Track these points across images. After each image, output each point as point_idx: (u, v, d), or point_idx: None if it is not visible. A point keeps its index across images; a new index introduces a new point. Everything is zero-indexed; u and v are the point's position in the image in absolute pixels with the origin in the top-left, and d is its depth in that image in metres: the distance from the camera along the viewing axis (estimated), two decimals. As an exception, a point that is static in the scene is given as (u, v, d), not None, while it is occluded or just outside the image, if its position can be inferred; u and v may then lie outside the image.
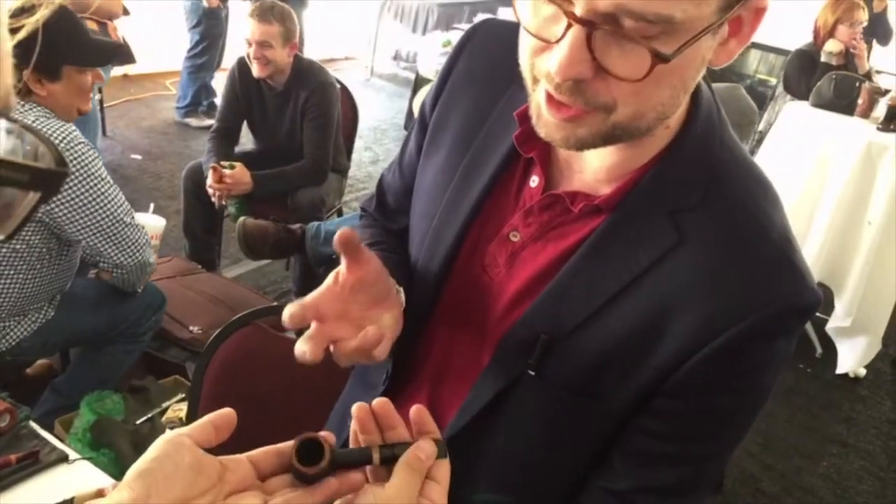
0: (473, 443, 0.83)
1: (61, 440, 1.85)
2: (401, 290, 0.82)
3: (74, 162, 1.72)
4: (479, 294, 0.83)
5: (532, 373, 0.76)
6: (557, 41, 0.60)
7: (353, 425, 0.63)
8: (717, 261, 0.70)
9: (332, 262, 2.84)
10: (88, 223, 1.78)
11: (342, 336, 0.70)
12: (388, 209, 1.03)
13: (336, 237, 0.69)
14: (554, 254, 0.77)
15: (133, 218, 1.90)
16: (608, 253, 0.73)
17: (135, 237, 1.88)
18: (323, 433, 0.59)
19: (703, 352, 0.70)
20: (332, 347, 0.70)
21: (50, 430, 1.93)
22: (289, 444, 0.59)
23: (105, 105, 4.43)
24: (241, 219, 2.76)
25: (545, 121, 0.67)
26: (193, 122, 5.02)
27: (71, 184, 1.72)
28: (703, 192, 0.72)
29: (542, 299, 0.76)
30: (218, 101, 4.75)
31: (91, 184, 1.75)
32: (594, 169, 0.76)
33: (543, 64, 0.64)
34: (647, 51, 0.57)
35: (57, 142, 1.69)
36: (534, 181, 0.79)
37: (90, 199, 1.76)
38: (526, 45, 0.66)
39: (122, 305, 2.05)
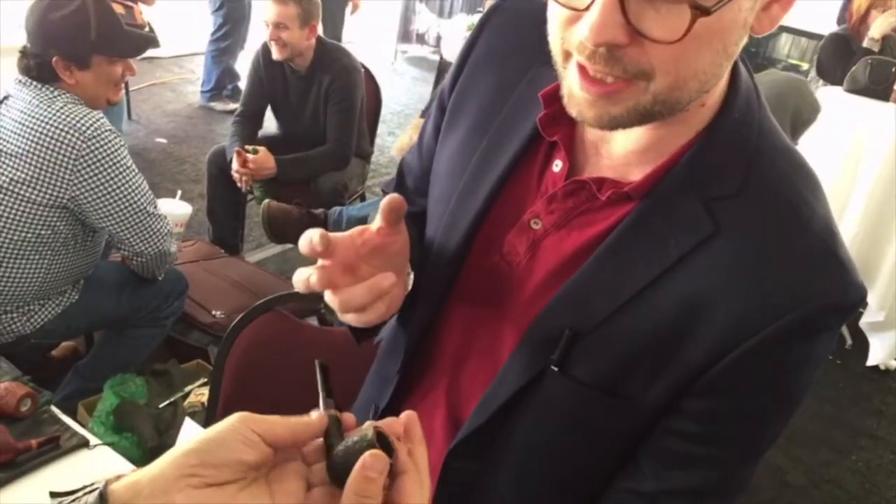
0: (493, 439, 0.81)
1: (84, 423, 1.86)
2: (411, 273, 0.79)
3: (101, 150, 1.72)
4: (498, 284, 0.79)
5: (555, 368, 0.73)
6: (587, 8, 0.57)
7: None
8: (755, 253, 0.66)
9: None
10: (112, 211, 1.79)
11: (341, 284, 0.68)
12: (407, 191, 1.00)
13: (386, 201, 0.66)
14: (578, 243, 0.74)
15: (156, 207, 1.90)
16: (637, 243, 0.69)
17: (156, 227, 1.88)
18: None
19: (738, 350, 0.66)
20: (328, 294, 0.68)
21: (73, 412, 1.94)
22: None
23: (130, 89, 4.46)
24: (266, 202, 2.76)
25: (577, 98, 0.63)
26: (218, 105, 5.02)
27: (96, 172, 1.73)
28: (742, 180, 0.68)
29: (566, 292, 0.73)
30: (242, 84, 4.75)
31: (116, 172, 1.76)
32: (624, 153, 0.72)
33: (575, 34, 0.60)
34: (687, 5, 0.54)
35: (83, 129, 1.69)
36: (557, 166, 0.76)
37: (115, 187, 1.76)
38: (555, 17, 0.63)
39: (144, 290, 2.05)
